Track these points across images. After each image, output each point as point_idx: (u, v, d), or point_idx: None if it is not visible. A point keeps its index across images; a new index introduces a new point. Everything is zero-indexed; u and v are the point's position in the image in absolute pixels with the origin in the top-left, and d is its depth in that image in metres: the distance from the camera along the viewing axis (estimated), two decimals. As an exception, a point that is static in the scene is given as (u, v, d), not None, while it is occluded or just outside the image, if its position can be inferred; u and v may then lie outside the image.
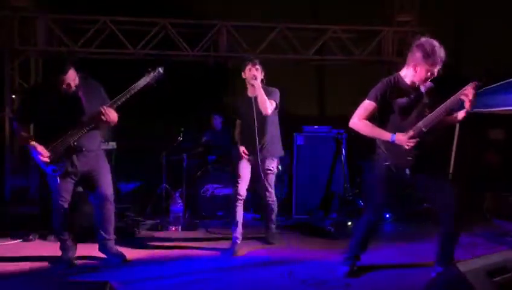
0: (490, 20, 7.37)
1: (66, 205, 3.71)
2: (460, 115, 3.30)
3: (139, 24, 6.77)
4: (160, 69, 3.68)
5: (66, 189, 3.68)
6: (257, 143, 4.10)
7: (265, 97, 4.03)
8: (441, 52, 3.16)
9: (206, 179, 5.80)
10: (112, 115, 3.58)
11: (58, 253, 3.87)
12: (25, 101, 3.85)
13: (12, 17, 6.32)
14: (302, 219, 5.61)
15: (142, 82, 3.64)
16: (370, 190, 3.63)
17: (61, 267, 3.75)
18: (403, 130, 3.24)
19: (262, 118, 4.14)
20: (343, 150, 5.57)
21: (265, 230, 4.59)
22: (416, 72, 3.25)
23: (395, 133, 3.23)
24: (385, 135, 3.28)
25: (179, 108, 7.29)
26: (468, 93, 3.10)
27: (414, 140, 3.18)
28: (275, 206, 4.47)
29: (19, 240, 4.60)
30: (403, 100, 3.29)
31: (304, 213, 5.72)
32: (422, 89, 3.33)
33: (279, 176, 6.05)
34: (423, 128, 3.20)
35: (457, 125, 5.61)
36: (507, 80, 5.22)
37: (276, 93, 4.20)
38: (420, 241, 4.64)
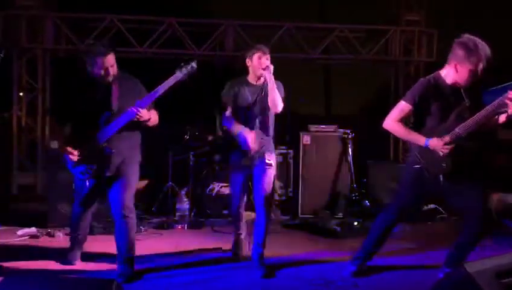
0: (496, 19, 7.31)
1: (86, 209, 3.63)
2: (501, 118, 3.09)
3: (145, 22, 6.79)
4: (194, 64, 3.32)
5: (91, 192, 3.53)
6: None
7: (278, 93, 3.58)
8: (484, 48, 2.97)
9: (212, 177, 5.80)
10: (145, 115, 3.27)
11: (65, 251, 3.87)
12: (58, 100, 3.61)
13: (20, 15, 6.36)
14: (308, 218, 5.60)
15: (174, 78, 3.28)
16: (398, 190, 3.50)
17: (66, 264, 3.73)
18: (439, 134, 3.08)
19: (266, 115, 3.73)
20: (350, 149, 5.55)
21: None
22: (457, 71, 3.07)
23: (430, 137, 3.09)
24: (420, 140, 3.13)
25: (186, 107, 7.29)
26: None
27: (449, 146, 3.03)
28: (267, 224, 3.70)
29: (26, 237, 4.61)
30: (441, 102, 3.12)
31: (310, 213, 5.70)
32: (464, 90, 3.12)
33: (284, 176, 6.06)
34: (461, 134, 3.04)
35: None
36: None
37: (282, 87, 3.70)
38: (425, 241, 4.63)
